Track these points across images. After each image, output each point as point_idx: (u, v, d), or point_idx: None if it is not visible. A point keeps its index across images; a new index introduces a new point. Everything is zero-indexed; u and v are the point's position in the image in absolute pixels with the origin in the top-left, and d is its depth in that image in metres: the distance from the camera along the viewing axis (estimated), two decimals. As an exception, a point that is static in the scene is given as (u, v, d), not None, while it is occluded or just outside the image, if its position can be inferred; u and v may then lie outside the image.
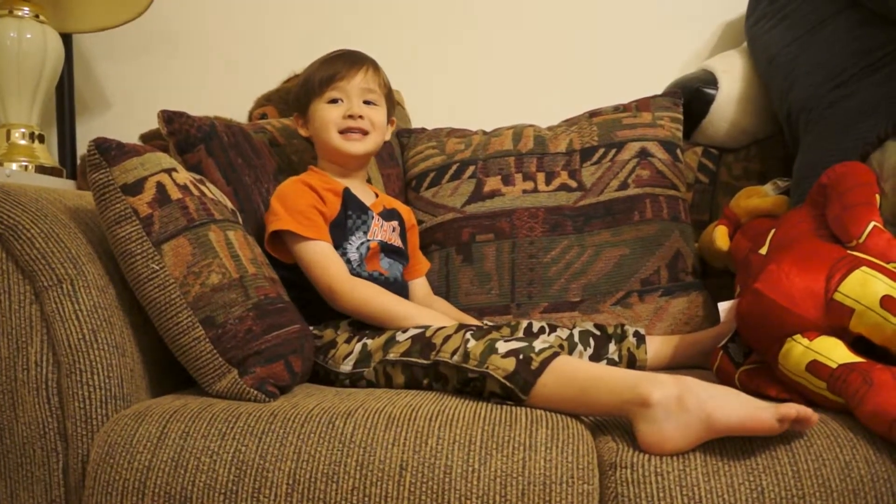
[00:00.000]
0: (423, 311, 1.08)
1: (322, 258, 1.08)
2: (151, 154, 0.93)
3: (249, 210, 1.15)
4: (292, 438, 0.76)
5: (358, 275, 1.12)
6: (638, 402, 0.76)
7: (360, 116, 1.17)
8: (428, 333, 0.97)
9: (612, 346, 1.17)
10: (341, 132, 1.17)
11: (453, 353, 0.90)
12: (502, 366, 0.84)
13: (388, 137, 1.26)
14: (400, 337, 1.00)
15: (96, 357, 0.83)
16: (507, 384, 0.83)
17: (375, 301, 1.06)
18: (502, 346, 0.87)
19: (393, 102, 1.27)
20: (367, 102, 1.19)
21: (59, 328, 0.83)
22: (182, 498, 0.74)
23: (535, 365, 0.83)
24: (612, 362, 1.16)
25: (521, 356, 0.84)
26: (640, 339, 1.17)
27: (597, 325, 1.21)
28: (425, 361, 0.94)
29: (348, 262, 1.12)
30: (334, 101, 1.18)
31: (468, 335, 0.91)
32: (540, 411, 0.81)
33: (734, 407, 0.74)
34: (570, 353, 1.14)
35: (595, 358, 1.15)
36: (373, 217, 1.18)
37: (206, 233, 0.91)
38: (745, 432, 0.73)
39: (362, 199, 1.20)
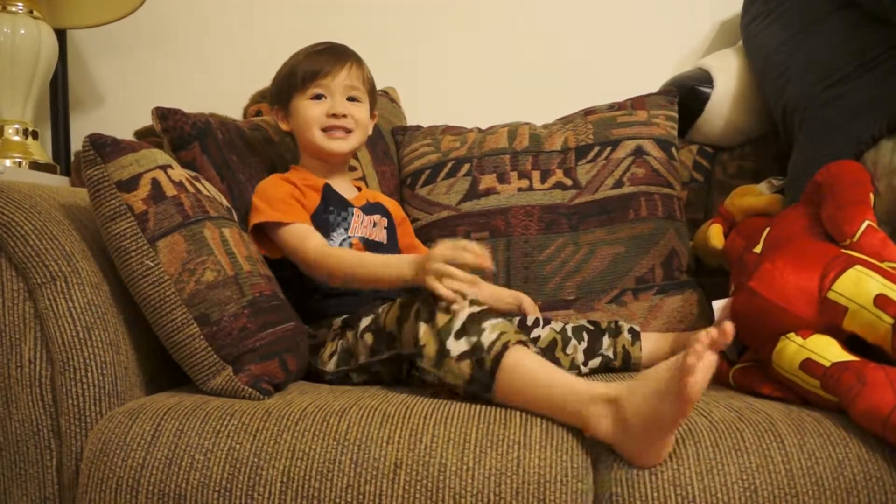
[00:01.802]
0: (383, 258, 1.04)
1: (300, 234, 1.07)
2: (147, 150, 0.92)
3: (244, 207, 1.15)
4: (287, 436, 0.76)
5: None
6: (582, 424, 0.77)
7: (344, 115, 1.16)
8: (383, 322, 0.96)
9: (606, 340, 1.16)
10: (324, 130, 1.16)
11: (414, 345, 0.88)
12: (460, 373, 0.83)
13: (370, 132, 1.25)
14: (363, 334, 0.99)
15: (90, 354, 0.83)
16: (470, 389, 0.83)
17: (345, 260, 1.04)
18: (454, 347, 0.84)
19: (375, 97, 1.26)
20: (351, 99, 1.18)
21: (52, 325, 0.82)
22: (176, 495, 0.74)
23: (488, 364, 0.81)
24: (606, 359, 1.15)
25: (474, 358, 0.82)
26: (636, 335, 1.17)
27: (590, 321, 1.21)
28: (390, 353, 0.96)
29: None
30: (318, 97, 1.16)
31: (420, 324, 0.88)
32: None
33: (657, 369, 0.73)
34: (565, 347, 1.14)
35: (589, 353, 1.15)
36: (353, 213, 1.17)
37: (202, 230, 0.91)
38: (680, 373, 0.68)
39: (343, 194, 1.19)
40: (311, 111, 1.16)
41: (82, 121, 1.78)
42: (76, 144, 1.70)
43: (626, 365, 1.15)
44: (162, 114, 1.13)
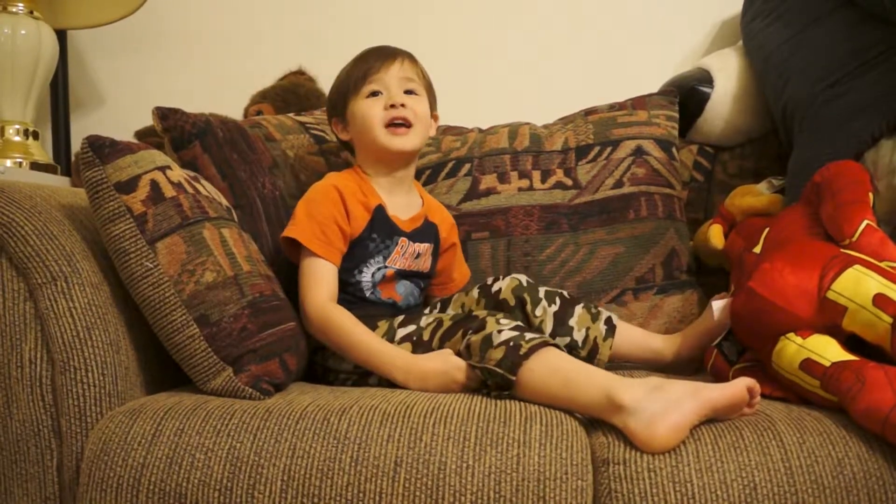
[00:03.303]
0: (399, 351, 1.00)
1: (318, 276, 1.03)
2: (145, 151, 0.92)
3: (245, 205, 1.15)
4: (287, 435, 0.76)
5: (371, 302, 1.10)
6: (611, 406, 0.78)
7: (402, 105, 1.10)
8: (425, 337, 0.99)
9: (579, 311, 1.11)
10: (386, 126, 1.11)
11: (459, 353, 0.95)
12: (494, 356, 0.88)
13: (433, 133, 1.21)
14: (397, 338, 1.01)
15: (90, 354, 0.83)
16: (497, 370, 0.86)
17: (357, 334, 0.99)
18: (496, 338, 0.89)
19: (434, 96, 1.21)
20: (408, 92, 1.13)
21: (53, 325, 0.83)
22: (177, 494, 0.74)
23: (523, 350, 0.86)
24: (574, 343, 1.09)
25: (511, 344, 0.87)
26: (610, 330, 1.11)
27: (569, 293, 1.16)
28: None
29: (360, 289, 1.09)
30: (374, 94, 1.12)
31: (469, 335, 0.93)
32: (534, 408, 0.81)
33: (713, 385, 0.79)
34: (535, 307, 1.08)
35: (559, 322, 1.09)
36: (397, 243, 1.12)
37: (201, 231, 0.91)
38: (726, 401, 0.77)
39: (400, 214, 1.14)
40: (370, 110, 1.11)
41: (83, 121, 1.78)
42: (77, 145, 1.69)
43: (590, 358, 1.10)
44: (162, 113, 1.13)
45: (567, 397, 0.83)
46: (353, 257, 1.09)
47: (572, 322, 1.10)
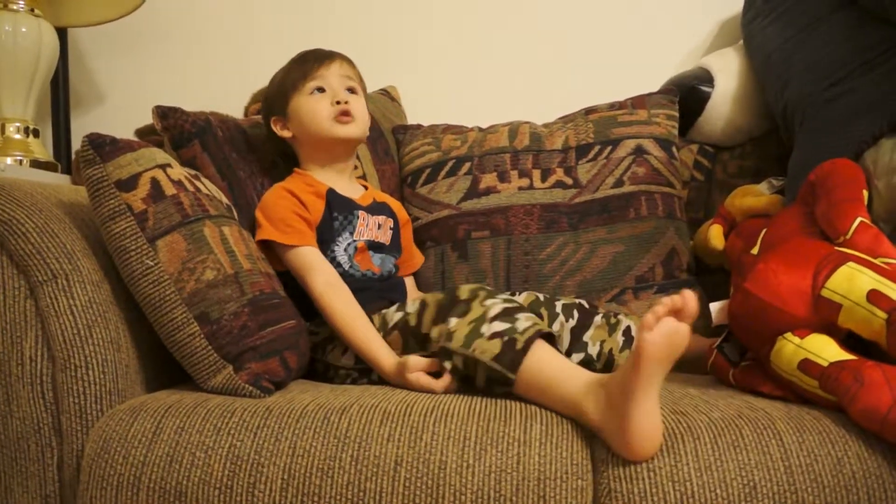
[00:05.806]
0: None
1: (307, 263, 1.06)
2: (146, 149, 0.93)
3: (244, 204, 1.15)
4: (287, 433, 0.77)
5: (351, 276, 1.11)
6: (584, 420, 0.77)
7: (346, 101, 1.16)
8: (412, 322, 0.98)
9: (598, 321, 1.12)
10: (334, 119, 1.16)
11: (439, 338, 0.91)
12: (489, 349, 0.85)
13: (367, 131, 1.25)
14: (390, 331, 1.00)
15: (91, 352, 0.83)
16: (495, 366, 0.83)
17: (351, 324, 1.02)
18: (487, 329, 0.86)
19: (367, 98, 1.27)
20: (349, 90, 1.19)
21: (53, 323, 0.83)
22: (177, 493, 0.75)
23: (519, 345, 0.83)
24: (588, 357, 1.10)
25: (505, 338, 0.84)
26: (628, 341, 1.11)
27: (589, 302, 1.17)
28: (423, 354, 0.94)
29: (338, 264, 1.11)
30: (318, 90, 1.17)
31: (452, 319, 0.90)
32: (535, 407, 0.81)
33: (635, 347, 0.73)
34: (551, 323, 1.10)
35: (576, 337, 1.11)
36: (358, 216, 1.16)
37: (201, 228, 0.91)
38: (663, 342, 0.71)
39: (349, 195, 1.18)
40: (317, 105, 1.16)
41: (83, 119, 1.78)
42: (77, 142, 1.69)
43: (606, 370, 1.08)
44: (162, 112, 1.13)
45: (548, 403, 0.82)
46: (323, 240, 1.12)
47: (587, 337, 1.12)
